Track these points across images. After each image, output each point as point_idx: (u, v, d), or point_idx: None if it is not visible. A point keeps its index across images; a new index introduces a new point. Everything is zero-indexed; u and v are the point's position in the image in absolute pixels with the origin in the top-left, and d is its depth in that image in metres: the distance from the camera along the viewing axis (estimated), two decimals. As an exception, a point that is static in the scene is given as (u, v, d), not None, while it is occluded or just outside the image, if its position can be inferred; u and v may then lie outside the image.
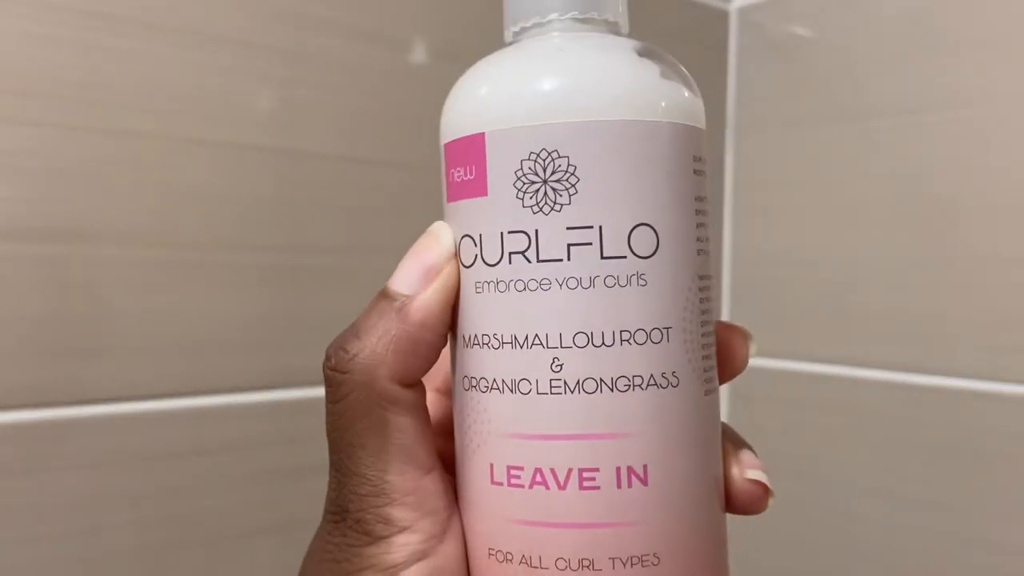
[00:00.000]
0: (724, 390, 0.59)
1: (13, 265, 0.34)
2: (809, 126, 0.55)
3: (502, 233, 0.21)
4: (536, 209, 0.20)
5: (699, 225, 0.21)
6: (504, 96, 0.21)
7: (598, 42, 0.22)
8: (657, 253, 0.20)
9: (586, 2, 0.22)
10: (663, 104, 0.21)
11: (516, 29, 0.22)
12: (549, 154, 0.20)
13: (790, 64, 0.56)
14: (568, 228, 0.20)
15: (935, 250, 0.49)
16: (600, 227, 0.20)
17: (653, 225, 0.20)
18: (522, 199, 0.20)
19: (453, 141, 0.22)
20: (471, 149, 0.21)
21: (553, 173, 0.20)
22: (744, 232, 0.59)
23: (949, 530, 0.48)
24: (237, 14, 0.39)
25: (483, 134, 0.21)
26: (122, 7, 0.36)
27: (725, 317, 0.59)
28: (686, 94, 0.21)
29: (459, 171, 0.21)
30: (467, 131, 0.21)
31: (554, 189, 0.20)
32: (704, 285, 0.21)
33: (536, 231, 0.20)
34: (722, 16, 0.59)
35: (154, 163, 0.37)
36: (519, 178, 0.20)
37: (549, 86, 0.20)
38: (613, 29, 0.22)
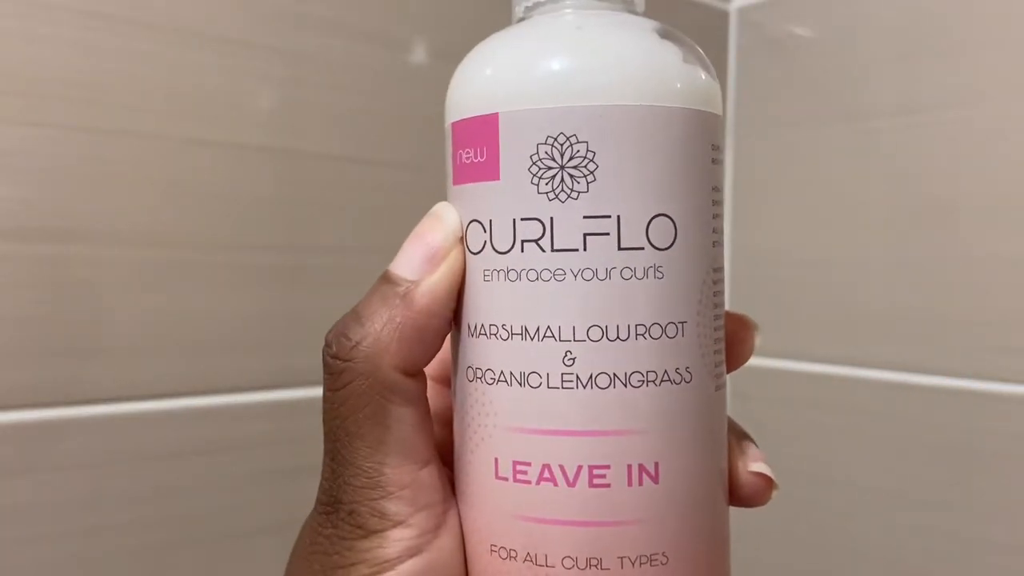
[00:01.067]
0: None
1: (13, 265, 0.34)
2: (809, 126, 0.55)
3: (515, 220, 0.20)
4: (552, 196, 0.19)
5: (715, 216, 0.21)
6: (520, 75, 0.20)
7: (617, 21, 0.21)
8: (675, 245, 0.20)
9: None
10: (686, 90, 0.20)
11: (529, 4, 0.21)
12: (567, 138, 0.19)
13: (790, 64, 0.56)
14: (585, 217, 0.19)
15: (935, 250, 0.49)
16: (618, 217, 0.19)
17: (671, 216, 0.20)
18: (537, 185, 0.19)
19: (463, 120, 0.21)
20: (483, 130, 0.20)
21: (571, 159, 0.19)
22: (744, 231, 0.59)
23: (949, 530, 0.48)
24: (237, 14, 0.39)
25: (497, 115, 0.20)
26: (122, 7, 0.36)
27: (725, 317, 0.59)
28: (707, 79, 0.21)
29: (468, 152, 0.20)
30: (479, 111, 0.20)
31: (571, 176, 0.19)
32: (717, 278, 0.21)
33: (551, 219, 0.19)
34: (722, 16, 0.59)
35: (154, 163, 0.37)
36: (535, 163, 0.19)
37: (569, 67, 0.19)
38: (629, 8, 0.21)
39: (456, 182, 0.21)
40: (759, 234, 0.58)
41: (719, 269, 0.21)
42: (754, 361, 0.64)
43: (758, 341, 0.23)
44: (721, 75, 0.59)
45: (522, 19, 0.22)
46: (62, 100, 0.35)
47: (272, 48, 0.40)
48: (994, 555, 0.46)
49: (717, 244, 0.21)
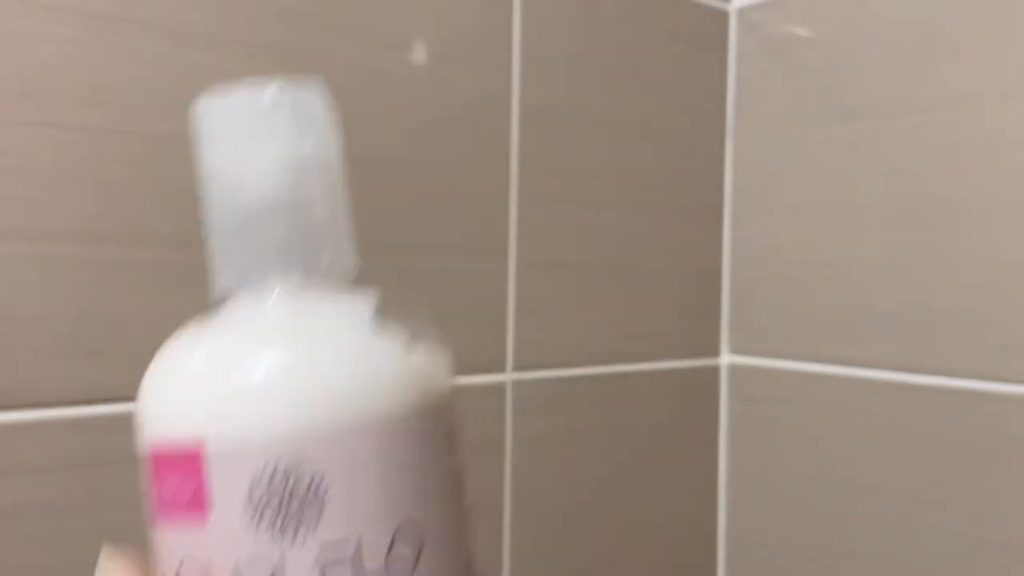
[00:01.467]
0: (724, 390, 0.59)
1: (12, 265, 0.34)
2: (809, 126, 0.55)
3: (236, 564, 0.16)
4: (277, 533, 0.16)
5: (459, 509, 0.19)
6: (224, 394, 0.17)
7: (328, 312, 0.19)
8: (422, 557, 0.17)
9: (310, 259, 0.19)
10: (410, 390, 0.18)
11: (225, 286, 0.19)
12: (288, 465, 0.16)
13: (790, 64, 0.56)
14: (319, 553, 0.16)
15: (935, 250, 0.49)
16: (355, 543, 0.17)
17: (413, 527, 0.17)
18: (258, 522, 0.16)
19: (162, 445, 0.17)
20: (187, 458, 0.17)
21: (295, 487, 0.16)
22: (744, 232, 0.59)
23: (949, 530, 0.48)
24: (237, 14, 0.39)
25: (202, 442, 0.17)
26: (122, 7, 0.36)
27: (725, 317, 0.59)
28: (429, 362, 0.19)
29: (171, 483, 0.17)
30: (181, 434, 0.17)
31: (298, 507, 0.16)
32: (472, 568, 0.19)
33: (278, 559, 0.16)
34: (722, 16, 0.59)
35: (153, 163, 0.37)
36: (253, 496, 0.16)
37: (276, 384, 0.17)
38: (342, 281, 0.19)
39: (160, 519, 0.18)
40: (759, 234, 0.58)
41: (472, 559, 0.19)
42: (754, 361, 0.63)
43: None
44: (721, 75, 0.59)
45: (219, 306, 0.19)
46: (62, 100, 0.35)
47: (272, 48, 0.40)
48: (994, 555, 0.46)
49: (465, 534, 0.19)
